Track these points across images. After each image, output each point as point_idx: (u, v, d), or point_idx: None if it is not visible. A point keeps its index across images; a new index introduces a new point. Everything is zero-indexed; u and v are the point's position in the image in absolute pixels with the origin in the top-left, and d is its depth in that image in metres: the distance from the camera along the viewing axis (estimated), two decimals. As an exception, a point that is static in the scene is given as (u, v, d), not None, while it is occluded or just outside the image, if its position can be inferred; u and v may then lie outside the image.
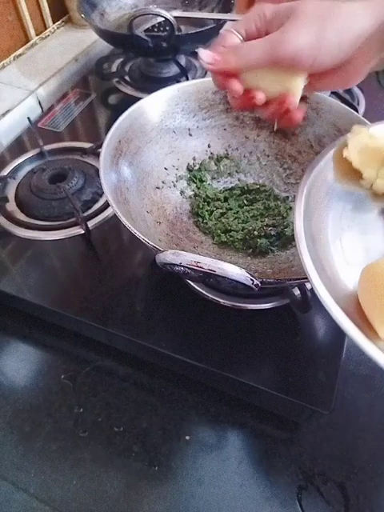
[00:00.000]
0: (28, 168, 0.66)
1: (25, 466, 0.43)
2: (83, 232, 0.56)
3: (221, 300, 0.48)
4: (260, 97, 0.35)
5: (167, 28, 0.69)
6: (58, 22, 0.95)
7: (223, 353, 0.45)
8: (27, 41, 0.88)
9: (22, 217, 0.59)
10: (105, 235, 0.56)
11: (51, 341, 0.52)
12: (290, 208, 0.54)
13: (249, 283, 0.33)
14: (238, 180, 0.57)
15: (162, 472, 0.43)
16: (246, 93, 0.35)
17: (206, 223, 0.52)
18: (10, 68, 0.84)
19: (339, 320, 0.24)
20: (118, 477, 0.42)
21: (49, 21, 0.91)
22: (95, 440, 0.45)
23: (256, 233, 0.50)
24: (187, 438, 0.45)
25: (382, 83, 0.40)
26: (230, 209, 0.54)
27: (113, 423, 0.46)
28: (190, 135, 0.56)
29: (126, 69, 0.86)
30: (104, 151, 0.45)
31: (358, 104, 0.76)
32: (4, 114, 0.73)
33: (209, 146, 0.57)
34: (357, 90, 0.79)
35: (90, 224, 0.57)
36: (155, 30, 0.77)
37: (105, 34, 0.76)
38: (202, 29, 0.71)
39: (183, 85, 0.54)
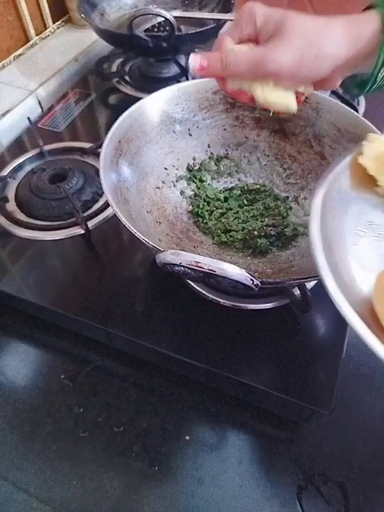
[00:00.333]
0: (28, 168, 0.66)
1: (25, 465, 0.43)
2: (83, 232, 0.56)
3: (221, 300, 0.48)
4: (245, 100, 0.38)
5: (167, 28, 0.69)
6: (58, 22, 0.95)
7: (223, 353, 0.45)
8: (27, 41, 0.88)
9: (22, 217, 0.59)
10: (105, 235, 0.56)
11: (51, 341, 0.52)
12: (290, 208, 0.54)
13: (249, 283, 0.33)
14: (238, 180, 0.57)
15: (162, 472, 0.43)
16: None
17: (206, 223, 0.52)
18: (10, 68, 0.84)
19: (354, 325, 0.24)
20: (118, 477, 0.42)
21: (49, 21, 0.91)
22: (95, 440, 0.45)
23: (256, 233, 0.50)
24: (187, 437, 0.45)
25: (348, 92, 0.42)
26: (230, 209, 0.54)
27: (113, 423, 0.46)
28: (190, 135, 0.56)
29: (126, 69, 0.86)
30: (104, 151, 0.45)
31: (358, 104, 0.76)
32: (4, 114, 0.73)
33: (209, 146, 0.57)
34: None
35: (90, 224, 0.57)
36: (155, 30, 0.77)
37: (105, 34, 0.76)
38: (202, 29, 0.71)
39: (183, 85, 0.54)
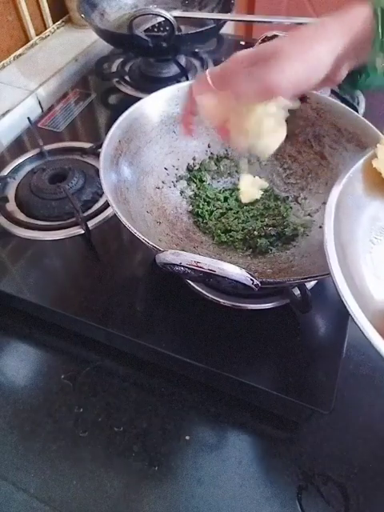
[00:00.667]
0: (28, 168, 0.66)
1: (25, 465, 0.43)
2: (83, 232, 0.56)
3: (221, 300, 0.48)
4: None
5: (167, 28, 0.69)
6: (58, 22, 0.95)
7: (223, 353, 0.45)
8: (27, 41, 0.88)
9: (22, 217, 0.59)
10: (105, 235, 0.56)
11: (51, 341, 0.52)
12: (290, 208, 0.54)
13: (249, 283, 0.33)
14: (238, 180, 0.57)
15: (162, 472, 0.43)
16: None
17: (206, 223, 0.52)
18: (10, 68, 0.84)
19: (369, 335, 0.24)
20: (118, 477, 0.42)
21: (49, 21, 0.91)
22: (95, 440, 0.45)
23: (256, 233, 0.50)
24: (187, 437, 0.45)
25: (345, 88, 0.42)
26: (230, 209, 0.54)
27: (113, 423, 0.46)
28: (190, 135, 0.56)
29: (126, 69, 0.86)
30: (104, 151, 0.45)
31: (358, 104, 0.76)
32: (4, 114, 0.73)
33: (209, 146, 0.57)
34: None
35: (90, 224, 0.57)
36: (155, 30, 0.77)
37: (105, 34, 0.76)
38: (202, 29, 0.71)
39: (183, 85, 0.54)
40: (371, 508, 0.40)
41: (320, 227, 0.50)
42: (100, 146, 0.46)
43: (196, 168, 0.57)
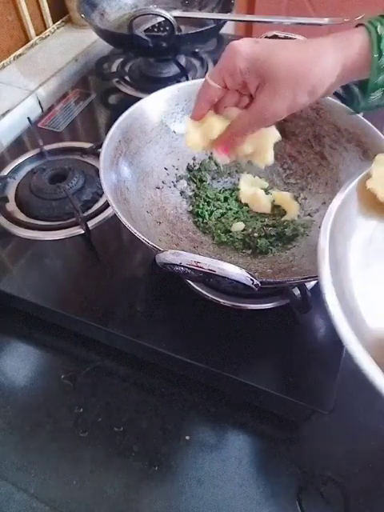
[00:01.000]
0: (28, 168, 0.66)
1: (25, 465, 0.43)
2: (83, 232, 0.56)
3: (221, 300, 0.48)
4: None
5: (167, 28, 0.69)
6: (58, 22, 0.95)
7: (223, 353, 0.45)
8: (27, 41, 0.88)
9: (22, 217, 0.59)
10: (105, 235, 0.56)
11: (51, 341, 0.52)
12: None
13: (249, 283, 0.33)
14: (238, 180, 0.57)
15: (162, 472, 0.43)
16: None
17: (206, 223, 0.52)
18: (10, 68, 0.84)
19: (367, 370, 0.23)
20: (118, 477, 0.42)
21: (49, 21, 0.91)
22: (95, 440, 0.45)
23: (256, 233, 0.50)
24: (187, 437, 0.45)
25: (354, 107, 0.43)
26: (230, 209, 0.54)
27: (113, 423, 0.46)
28: (190, 135, 0.56)
29: (126, 69, 0.86)
30: (104, 151, 0.45)
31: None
32: (4, 114, 0.73)
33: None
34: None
35: (90, 224, 0.57)
36: (155, 30, 0.77)
37: (105, 34, 0.76)
38: (202, 29, 0.71)
39: (183, 85, 0.54)
40: (371, 508, 0.40)
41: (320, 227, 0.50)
42: (100, 146, 0.46)
43: (196, 168, 0.57)
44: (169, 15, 0.67)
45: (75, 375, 0.49)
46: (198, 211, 0.53)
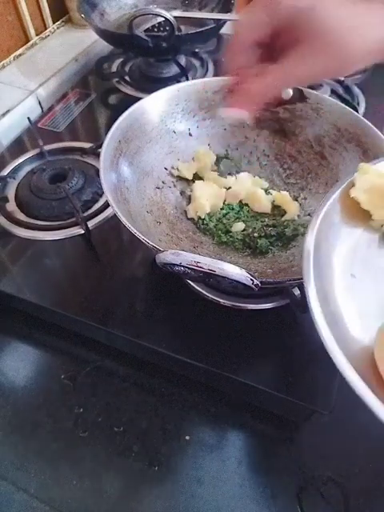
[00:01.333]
0: (28, 168, 0.66)
1: (25, 465, 0.43)
2: (83, 232, 0.56)
3: (221, 300, 0.48)
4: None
5: (167, 28, 0.69)
6: (58, 22, 0.95)
7: (223, 353, 0.45)
8: (27, 41, 0.88)
9: (22, 217, 0.59)
10: (105, 235, 0.56)
11: (51, 341, 0.52)
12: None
13: (249, 283, 0.33)
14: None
15: (162, 472, 0.43)
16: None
17: (207, 224, 0.52)
18: (9, 68, 0.84)
19: (354, 383, 0.23)
20: (118, 477, 0.42)
21: (49, 21, 0.91)
22: (95, 440, 0.45)
23: (256, 233, 0.50)
24: (187, 437, 0.45)
25: None
26: (231, 209, 0.54)
27: (113, 423, 0.46)
28: (190, 135, 0.56)
29: (126, 69, 0.86)
30: (104, 151, 0.45)
31: (358, 104, 0.76)
32: (4, 114, 0.73)
33: (209, 146, 0.57)
34: (357, 90, 0.79)
35: (90, 224, 0.57)
36: (155, 30, 0.77)
37: (105, 34, 0.76)
38: (202, 29, 0.71)
39: (183, 85, 0.54)
40: (371, 508, 0.40)
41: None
42: (100, 146, 0.46)
43: (196, 168, 0.57)
44: (169, 15, 0.67)
45: (75, 375, 0.49)
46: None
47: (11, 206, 0.61)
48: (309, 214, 0.52)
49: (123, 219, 0.39)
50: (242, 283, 0.33)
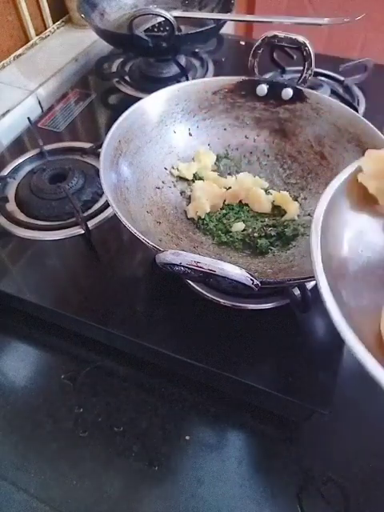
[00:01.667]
0: (28, 168, 0.66)
1: (25, 465, 0.43)
2: (83, 232, 0.56)
3: (221, 300, 0.48)
4: None
5: (167, 28, 0.69)
6: (58, 22, 0.95)
7: (223, 353, 0.45)
8: (27, 41, 0.88)
9: (22, 217, 0.59)
10: (105, 235, 0.56)
11: (51, 341, 0.52)
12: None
13: (249, 283, 0.33)
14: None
15: (162, 472, 0.43)
16: None
17: (207, 224, 0.52)
18: (9, 68, 0.84)
19: (363, 359, 0.23)
20: (118, 477, 0.42)
21: (49, 21, 0.91)
22: (95, 440, 0.45)
23: (256, 233, 0.50)
24: (187, 437, 0.45)
25: None
26: (231, 209, 0.54)
27: (113, 423, 0.46)
28: (190, 135, 0.56)
29: (126, 69, 0.86)
30: (104, 151, 0.45)
31: (358, 104, 0.76)
32: (4, 114, 0.73)
33: (209, 146, 0.57)
34: (357, 90, 0.79)
35: (90, 224, 0.57)
36: (155, 30, 0.77)
37: (105, 34, 0.76)
38: (202, 29, 0.71)
39: (183, 85, 0.54)
40: (371, 508, 0.40)
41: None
42: (100, 146, 0.46)
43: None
44: (169, 15, 0.67)
45: (75, 375, 0.49)
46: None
47: (11, 205, 0.61)
48: (309, 214, 0.52)
49: (123, 219, 0.39)
50: (242, 283, 0.33)
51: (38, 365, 0.50)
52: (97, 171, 0.62)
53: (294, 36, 0.49)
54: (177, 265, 0.33)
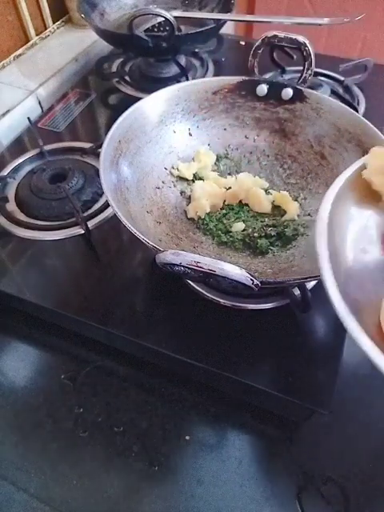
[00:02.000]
0: (28, 168, 0.66)
1: (25, 465, 0.43)
2: (83, 232, 0.56)
3: (221, 300, 0.48)
4: None
5: (167, 28, 0.69)
6: (58, 22, 0.95)
7: (223, 353, 0.45)
8: (27, 41, 0.88)
9: (22, 217, 0.59)
10: (105, 235, 0.56)
11: (51, 341, 0.52)
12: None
13: (249, 283, 0.33)
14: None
15: (162, 472, 0.43)
16: None
17: (207, 224, 0.52)
18: (9, 68, 0.84)
19: (368, 351, 0.23)
20: (118, 477, 0.42)
21: (49, 21, 0.91)
22: (95, 440, 0.45)
23: (256, 233, 0.50)
24: (187, 437, 0.45)
25: None
26: (231, 209, 0.54)
27: (113, 423, 0.46)
28: (190, 135, 0.56)
29: (126, 69, 0.86)
30: (104, 151, 0.45)
31: (358, 104, 0.76)
32: (4, 114, 0.73)
33: (209, 146, 0.57)
34: (357, 90, 0.79)
35: (90, 224, 0.57)
36: (155, 30, 0.77)
37: (105, 34, 0.76)
38: (202, 29, 0.71)
39: (183, 85, 0.54)
40: (371, 508, 0.40)
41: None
42: (100, 146, 0.46)
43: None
44: (169, 15, 0.67)
45: (75, 375, 0.49)
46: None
47: (11, 205, 0.61)
48: (309, 214, 0.52)
49: (123, 219, 0.39)
50: (242, 283, 0.33)
51: (38, 365, 0.50)
52: (97, 171, 0.62)
53: (293, 36, 0.49)
54: (177, 265, 0.33)
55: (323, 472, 0.42)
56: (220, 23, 0.74)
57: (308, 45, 0.49)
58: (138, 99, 0.51)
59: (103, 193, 0.60)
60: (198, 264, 0.32)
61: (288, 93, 0.53)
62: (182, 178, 0.56)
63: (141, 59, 0.85)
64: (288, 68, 0.80)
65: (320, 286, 0.49)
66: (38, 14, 0.88)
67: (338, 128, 0.50)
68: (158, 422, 0.46)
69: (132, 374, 0.49)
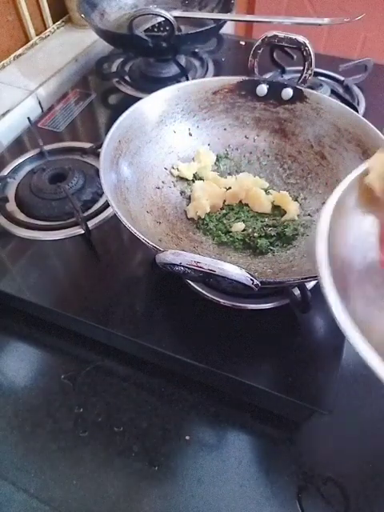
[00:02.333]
0: (28, 168, 0.66)
1: (25, 465, 0.43)
2: (83, 232, 0.56)
3: (221, 300, 0.48)
4: None
5: (167, 28, 0.69)
6: (58, 22, 0.95)
7: (223, 353, 0.45)
8: (27, 41, 0.88)
9: (22, 217, 0.59)
10: (105, 235, 0.56)
11: (51, 341, 0.52)
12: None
13: (249, 283, 0.33)
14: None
15: (162, 472, 0.43)
16: None
17: (207, 224, 0.52)
18: (9, 68, 0.84)
19: (371, 362, 0.23)
20: (118, 477, 0.42)
21: (49, 21, 0.91)
22: (95, 440, 0.45)
23: (256, 233, 0.50)
24: (187, 438, 0.45)
25: None
26: (231, 209, 0.54)
27: (113, 423, 0.46)
28: (190, 135, 0.56)
29: (126, 69, 0.86)
30: (104, 151, 0.45)
31: (358, 104, 0.76)
32: (4, 114, 0.73)
33: (209, 146, 0.57)
34: (357, 90, 0.79)
35: (90, 224, 0.57)
36: (155, 30, 0.77)
37: (105, 34, 0.76)
38: (202, 29, 0.71)
39: (183, 85, 0.54)
40: (371, 508, 0.40)
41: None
42: (100, 146, 0.46)
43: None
44: (169, 15, 0.67)
45: (75, 375, 0.49)
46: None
47: (11, 205, 0.61)
48: (309, 214, 0.52)
49: (123, 219, 0.39)
50: (242, 283, 0.33)
51: (38, 365, 0.50)
52: (97, 171, 0.62)
53: (293, 36, 0.49)
54: (177, 265, 0.33)
55: (323, 472, 0.42)
56: (220, 23, 0.74)
57: (308, 45, 0.49)
58: (137, 99, 0.51)
59: (103, 193, 0.60)
60: (198, 264, 0.32)
61: (288, 93, 0.53)
62: (182, 178, 0.56)
63: (141, 59, 0.85)
64: (288, 68, 0.80)
65: (320, 286, 0.49)
66: (37, 14, 0.88)
67: (338, 128, 0.50)
68: (157, 422, 0.46)
69: (132, 374, 0.49)
